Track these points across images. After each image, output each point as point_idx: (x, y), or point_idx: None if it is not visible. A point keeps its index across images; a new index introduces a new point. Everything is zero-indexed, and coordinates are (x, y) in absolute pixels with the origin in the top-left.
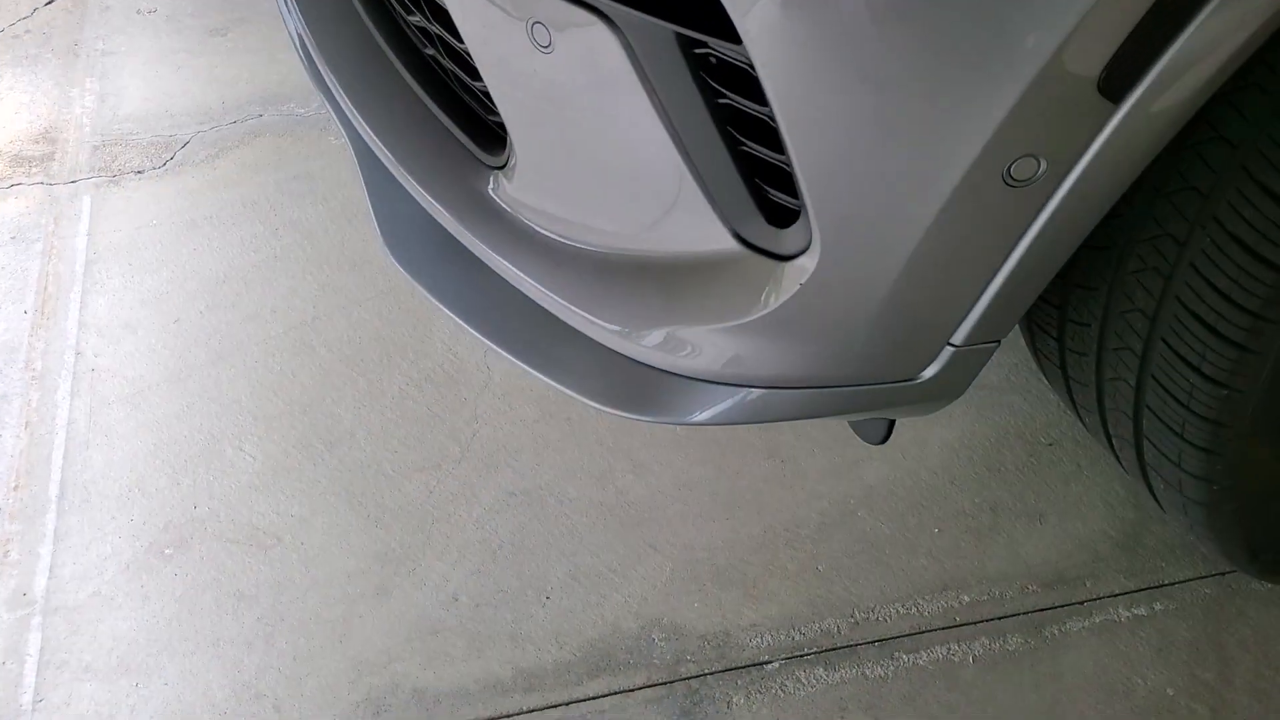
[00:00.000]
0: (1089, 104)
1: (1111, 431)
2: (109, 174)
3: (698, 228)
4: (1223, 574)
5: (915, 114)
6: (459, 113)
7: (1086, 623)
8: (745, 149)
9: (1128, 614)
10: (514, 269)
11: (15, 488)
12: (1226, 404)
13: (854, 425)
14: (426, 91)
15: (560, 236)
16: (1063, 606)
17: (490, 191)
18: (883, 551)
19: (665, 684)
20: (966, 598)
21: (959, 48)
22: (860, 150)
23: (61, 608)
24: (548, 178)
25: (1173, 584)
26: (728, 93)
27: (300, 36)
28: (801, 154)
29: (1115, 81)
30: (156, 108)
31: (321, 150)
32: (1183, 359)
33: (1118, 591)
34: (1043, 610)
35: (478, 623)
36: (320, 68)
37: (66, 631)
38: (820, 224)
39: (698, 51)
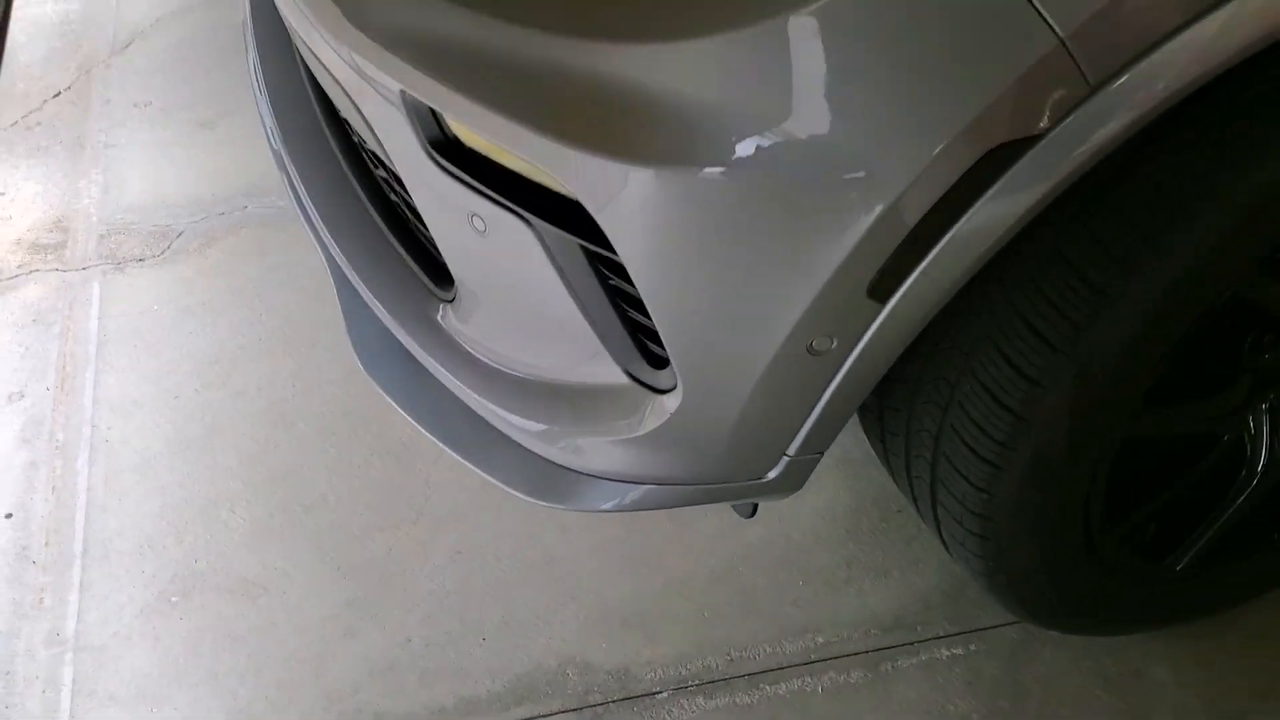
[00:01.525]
0: (862, 304)
1: (921, 508)
2: (114, 261)
3: (598, 366)
4: (1026, 622)
5: (741, 304)
6: (417, 249)
7: (915, 660)
8: (630, 315)
9: (948, 653)
10: (457, 383)
11: (46, 544)
12: (988, 504)
13: (731, 505)
14: (390, 228)
15: (494, 362)
16: (897, 646)
17: (439, 319)
18: (757, 600)
19: (576, 710)
20: (821, 639)
21: (769, 264)
22: (704, 325)
23: (88, 646)
24: (484, 318)
25: (986, 629)
26: (613, 277)
27: (281, 162)
28: (662, 325)
29: (879, 290)
30: (154, 199)
31: (298, 240)
32: (956, 470)
33: (941, 634)
34: (881, 649)
35: (427, 659)
36: (298, 194)
37: (93, 666)
38: (681, 371)
39: (591, 248)
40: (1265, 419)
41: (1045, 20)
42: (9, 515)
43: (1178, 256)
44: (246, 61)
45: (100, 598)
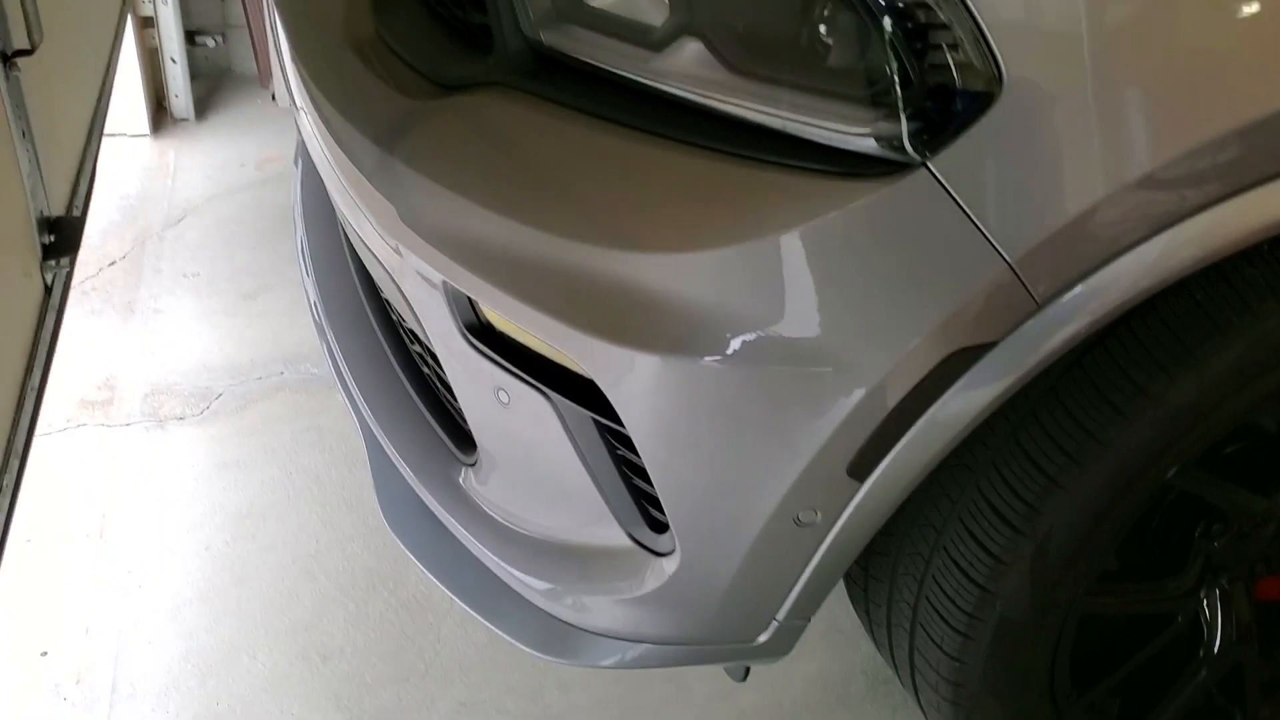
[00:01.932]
0: (843, 481)
1: (901, 674)
2: (156, 419)
3: (604, 529)
4: None
5: (734, 477)
6: (443, 417)
7: None
8: (635, 482)
9: None
10: (473, 540)
11: (78, 681)
12: (959, 671)
13: (724, 667)
14: (420, 397)
15: (508, 522)
16: None
17: (460, 481)
18: None
19: None
20: None
21: (761, 443)
22: (701, 494)
23: None
24: (502, 481)
25: None
26: (620, 447)
27: (322, 332)
28: (663, 492)
29: (858, 470)
30: (196, 362)
31: (330, 405)
32: (931, 638)
33: None
34: None
35: None
36: (336, 362)
37: None
38: (679, 535)
39: (603, 422)
40: (1218, 604)
41: (995, 248)
42: (44, 653)
43: (1118, 451)
44: (294, 239)
45: None
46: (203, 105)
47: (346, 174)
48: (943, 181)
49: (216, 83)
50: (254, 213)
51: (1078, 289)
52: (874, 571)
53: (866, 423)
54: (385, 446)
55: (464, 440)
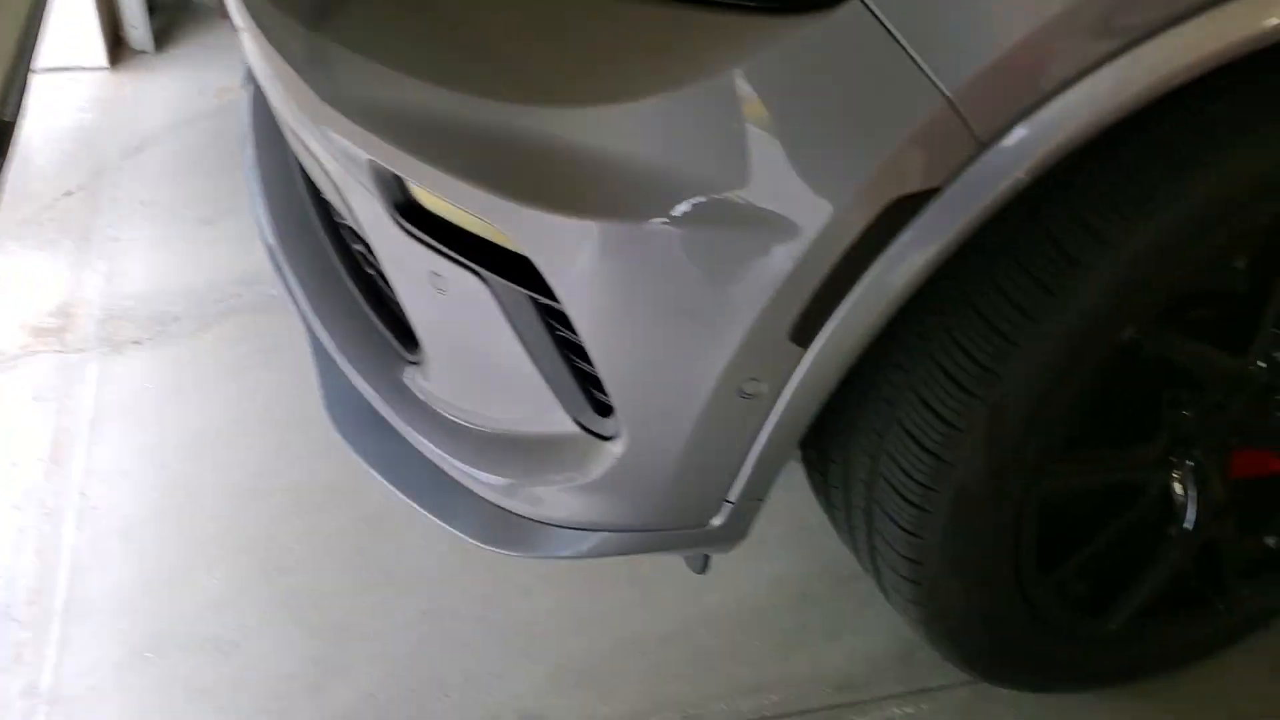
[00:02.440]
0: (786, 349)
1: (862, 559)
2: (112, 344)
3: (550, 416)
4: (975, 683)
5: (675, 349)
6: (387, 314)
7: (866, 718)
8: (577, 364)
9: (899, 712)
10: (420, 439)
11: (29, 603)
12: (917, 548)
13: (684, 558)
14: (364, 296)
15: (454, 418)
16: (847, 705)
17: (405, 379)
18: (712, 660)
19: None
20: (774, 697)
21: (700, 311)
22: (642, 370)
23: (63, 699)
24: (446, 375)
25: (937, 689)
26: (560, 328)
27: (269, 249)
28: (604, 371)
29: (801, 335)
30: (153, 288)
31: (288, 326)
32: (888, 515)
33: (893, 694)
34: (832, 707)
35: (390, 714)
36: (281, 271)
37: (66, 718)
38: (623, 416)
39: (540, 301)
40: (1189, 478)
41: (932, 81)
42: None
43: (1075, 305)
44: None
45: (77, 654)
46: (162, 37)
47: (274, 65)
48: (874, 9)
49: (175, 15)
50: (213, 141)
51: (1024, 126)
52: (830, 452)
53: (807, 282)
54: (330, 349)
55: (408, 337)
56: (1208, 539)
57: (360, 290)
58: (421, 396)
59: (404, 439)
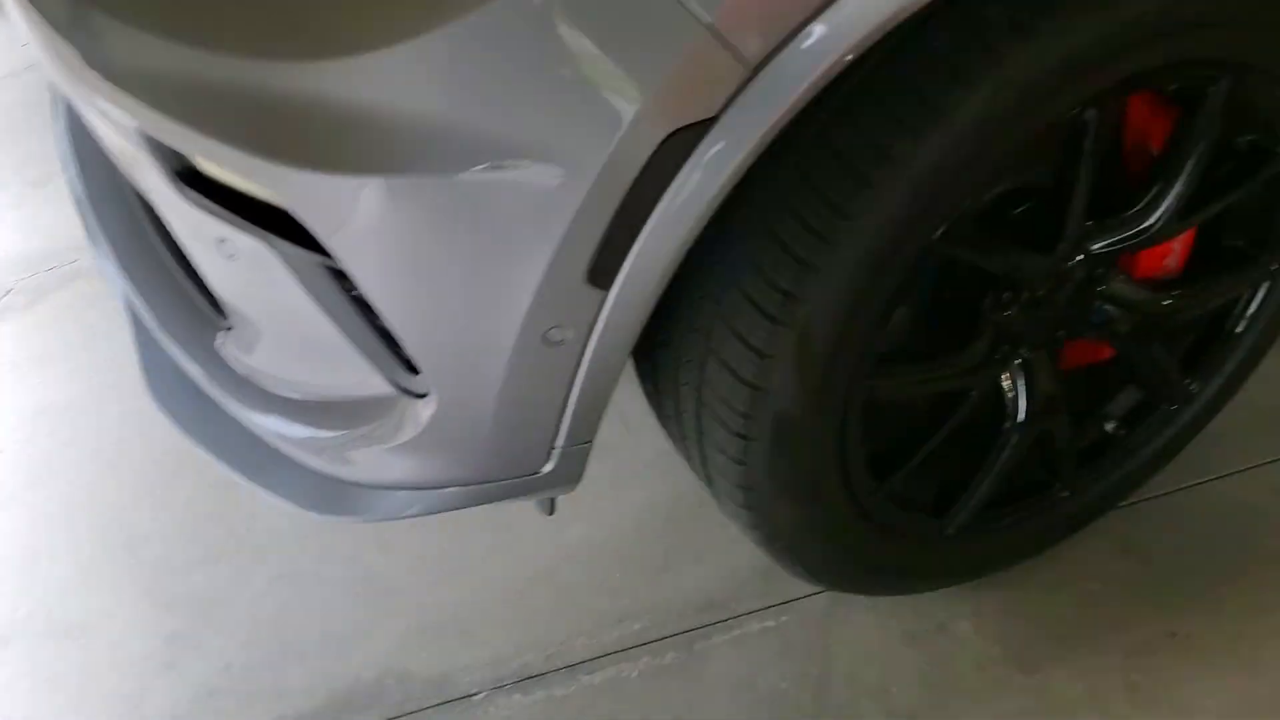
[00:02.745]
0: (585, 292)
1: (706, 486)
2: None
3: (361, 377)
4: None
5: (469, 302)
6: (198, 280)
7: (727, 636)
8: (378, 323)
9: (759, 626)
10: (238, 407)
11: None
12: (746, 475)
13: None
14: (175, 260)
15: (269, 385)
16: (711, 625)
17: (218, 346)
18: (575, 596)
19: (394, 718)
20: (637, 625)
21: (487, 261)
22: (439, 325)
23: None
24: (255, 341)
25: (797, 599)
26: (355, 287)
27: (80, 205)
28: (399, 330)
29: (599, 277)
30: None
31: None
32: (716, 446)
33: (754, 609)
34: (695, 630)
35: (247, 683)
36: (92, 232)
37: None
38: (429, 373)
39: (327, 262)
40: (1019, 375)
41: (687, 9)
42: None
43: (868, 224)
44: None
45: None
46: None
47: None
48: None
49: None
50: (40, 96)
51: (793, 46)
52: (662, 385)
53: (595, 222)
54: (145, 318)
55: (219, 304)
56: (1043, 432)
57: (171, 255)
58: (233, 363)
59: (221, 407)
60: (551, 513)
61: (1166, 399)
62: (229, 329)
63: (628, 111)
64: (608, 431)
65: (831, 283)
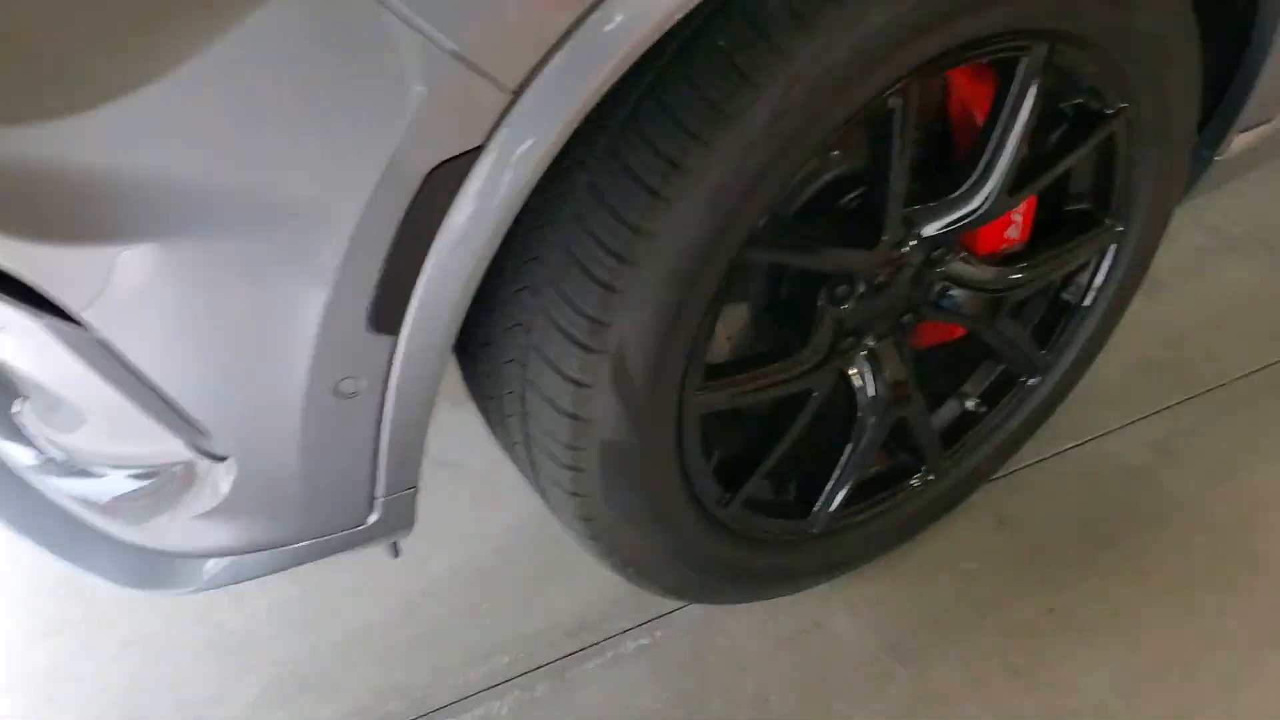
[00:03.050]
0: (371, 339)
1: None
2: None
3: (160, 443)
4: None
5: (248, 362)
6: None
7: (600, 660)
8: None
9: (634, 645)
10: (39, 479)
11: None
12: (581, 504)
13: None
14: None
15: (71, 455)
16: (583, 650)
17: (16, 417)
18: (442, 633)
19: None
20: (506, 658)
21: (257, 320)
22: (220, 391)
23: None
24: (52, 412)
25: (670, 613)
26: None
27: None
28: (179, 395)
29: (383, 323)
30: None
31: None
32: (551, 481)
33: (627, 628)
34: (567, 656)
35: None
36: None
37: None
38: (222, 438)
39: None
40: (867, 364)
41: (429, 38)
42: None
43: (668, 240)
44: None
45: None
46: None
47: None
48: None
49: None
50: None
51: (553, 67)
52: (491, 416)
53: (366, 268)
54: None
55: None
56: (899, 420)
57: None
58: (33, 436)
59: (26, 482)
60: (397, 555)
61: (1026, 372)
62: (25, 397)
63: (381, 151)
64: (465, 453)
65: (639, 304)
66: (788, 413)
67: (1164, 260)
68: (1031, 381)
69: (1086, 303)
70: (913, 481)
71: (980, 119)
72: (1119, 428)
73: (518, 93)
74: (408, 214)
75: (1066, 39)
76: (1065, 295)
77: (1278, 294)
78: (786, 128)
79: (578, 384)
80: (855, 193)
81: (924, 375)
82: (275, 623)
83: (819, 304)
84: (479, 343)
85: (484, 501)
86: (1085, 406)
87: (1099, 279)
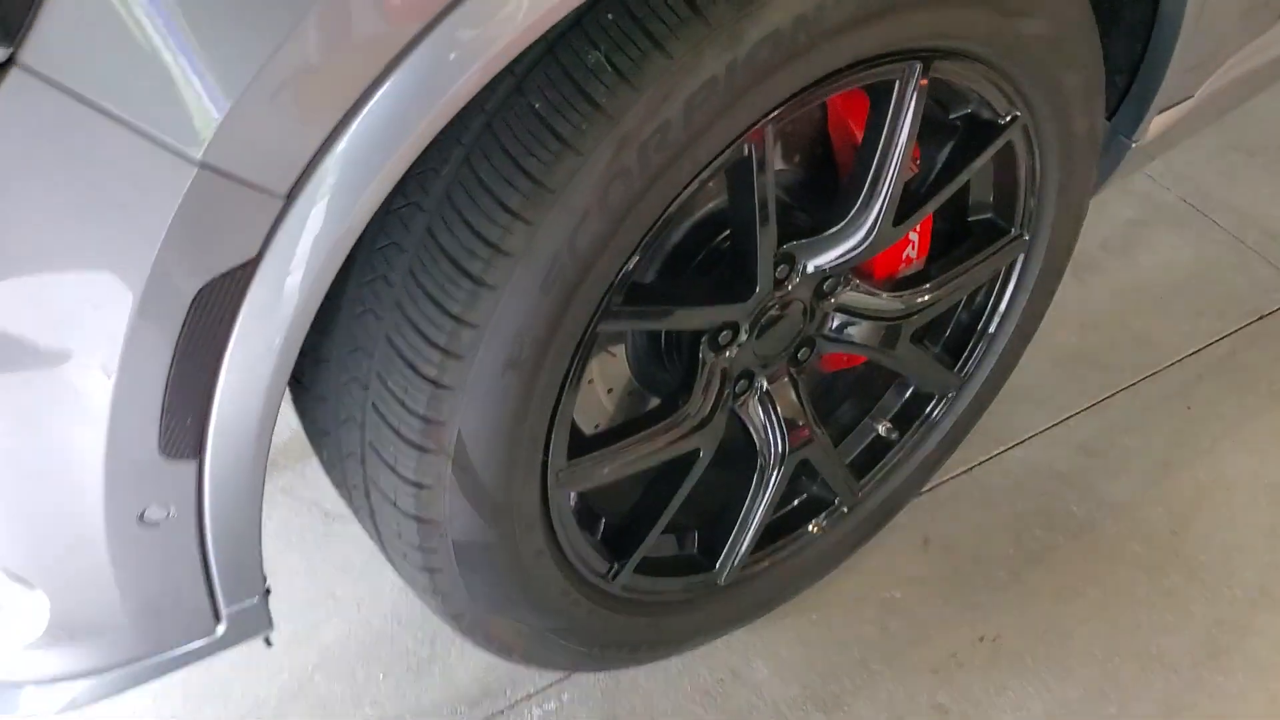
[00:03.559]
0: (170, 465)
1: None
2: None
3: None
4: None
5: (35, 500)
6: None
7: None
8: None
9: (539, 710)
10: None
11: None
12: (446, 602)
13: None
14: None
15: None
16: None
17: None
18: (335, 711)
19: None
20: None
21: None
22: (14, 525)
23: None
24: None
25: (577, 673)
26: None
27: None
28: None
29: (179, 448)
30: None
31: None
32: (412, 581)
33: (532, 692)
34: None
35: None
36: None
37: None
38: (26, 570)
39: None
40: (762, 406)
41: (176, 152)
42: None
43: (496, 330)
44: None
45: None
46: None
47: None
48: (44, 73)
49: None
50: None
51: (334, 160)
52: (351, 502)
53: (145, 399)
54: None
55: None
56: (805, 456)
57: None
58: None
59: None
60: (270, 645)
61: (939, 390)
62: None
63: (134, 278)
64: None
65: (476, 399)
66: (677, 469)
67: (1092, 236)
68: (947, 398)
69: (993, 326)
70: (822, 519)
71: (860, 137)
72: (1047, 428)
73: (291, 196)
74: (182, 338)
75: (948, 55)
76: (975, 309)
77: (1210, 265)
78: (621, 197)
79: (418, 485)
80: (724, 234)
81: (831, 401)
82: (159, 708)
83: (700, 355)
84: (319, 430)
85: (375, 561)
86: (1012, 406)
87: (1009, 290)
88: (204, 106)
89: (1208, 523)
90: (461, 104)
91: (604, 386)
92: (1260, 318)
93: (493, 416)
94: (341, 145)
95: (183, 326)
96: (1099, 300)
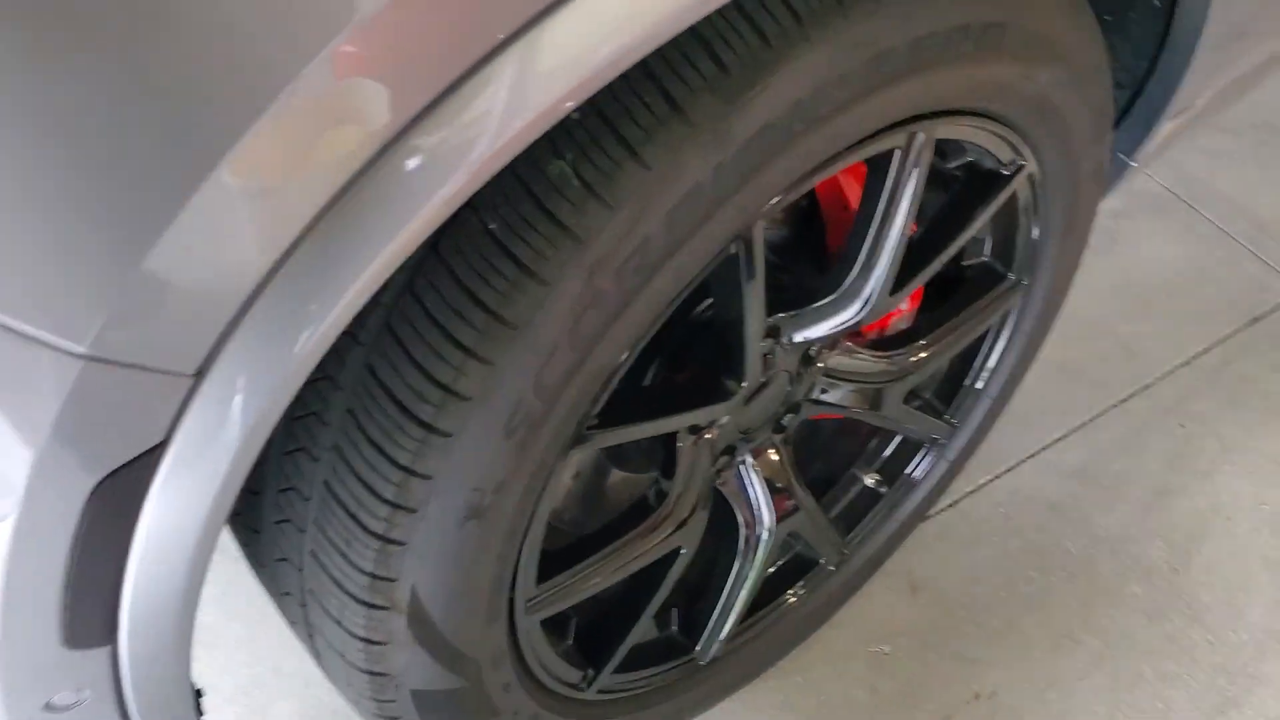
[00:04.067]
0: (77, 656)
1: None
2: None
3: None
4: None
5: None
6: None
7: None
8: None
9: None
10: None
11: None
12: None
13: None
14: None
15: None
16: None
17: None
18: None
19: None
20: None
21: None
22: None
23: None
24: None
25: None
26: None
27: None
28: None
29: (86, 637)
30: None
31: None
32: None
33: None
34: None
35: None
36: None
37: None
38: None
39: None
40: (749, 477)
41: (54, 346)
42: None
43: (448, 480)
44: None
45: None
46: None
47: None
48: None
49: None
50: None
51: (249, 330)
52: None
53: (40, 595)
54: None
55: None
56: (791, 530)
57: None
58: None
59: None
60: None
61: (928, 439)
62: None
63: (18, 478)
64: None
65: (427, 553)
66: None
67: None
68: (935, 443)
69: (981, 384)
70: (806, 582)
71: (853, 203)
72: (1036, 452)
73: (201, 374)
74: (82, 532)
75: (956, 114)
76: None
77: (1199, 262)
78: (595, 325)
79: (368, 641)
80: (706, 328)
81: (815, 451)
82: None
83: (678, 444)
84: (256, 560)
85: None
86: (998, 427)
87: (1000, 345)
88: (87, 297)
89: (1209, 556)
90: (395, 266)
91: (569, 473)
92: (1252, 321)
93: (452, 570)
94: (261, 308)
95: (81, 520)
96: (1083, 305)
